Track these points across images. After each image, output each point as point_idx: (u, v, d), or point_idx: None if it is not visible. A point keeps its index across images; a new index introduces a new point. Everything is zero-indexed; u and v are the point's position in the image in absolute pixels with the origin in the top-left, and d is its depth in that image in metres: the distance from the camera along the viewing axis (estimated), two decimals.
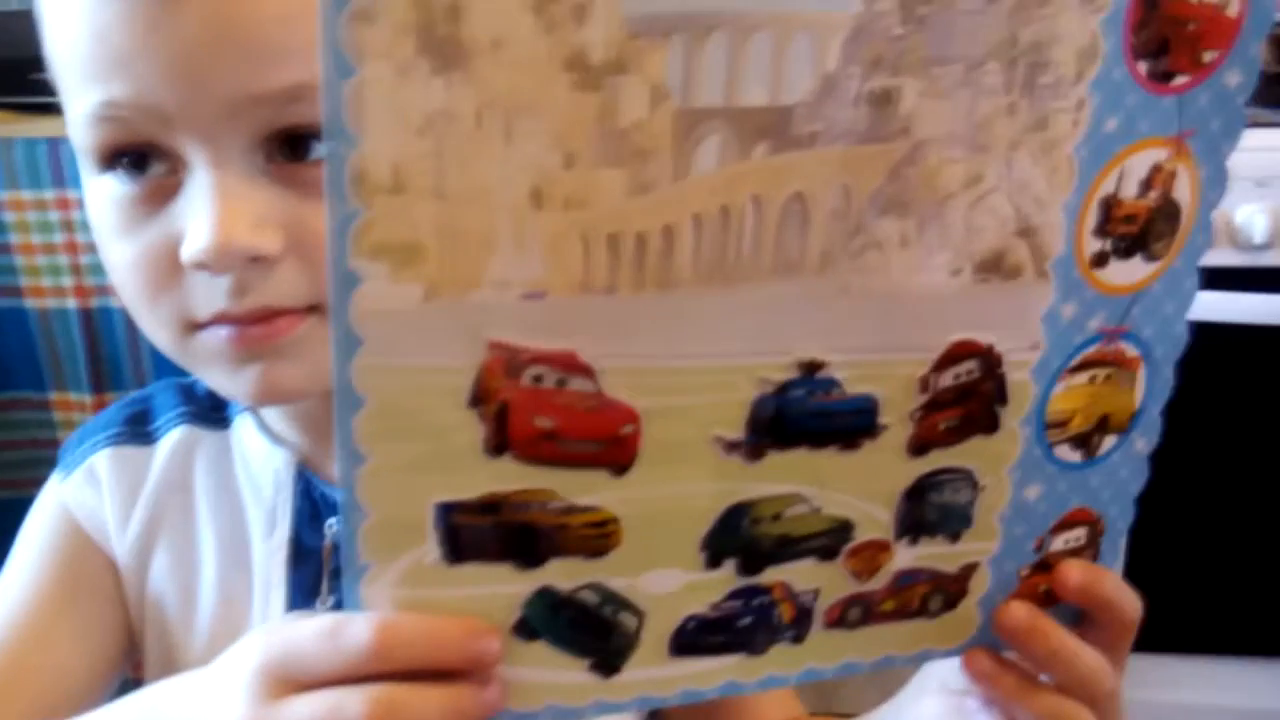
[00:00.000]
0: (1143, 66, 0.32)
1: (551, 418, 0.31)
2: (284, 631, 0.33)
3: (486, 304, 0.29)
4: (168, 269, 0.42)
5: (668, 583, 0.34)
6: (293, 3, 0.39)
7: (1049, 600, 0.39)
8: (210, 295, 0.42)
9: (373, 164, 0.27)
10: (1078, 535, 0.39)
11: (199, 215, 0.41)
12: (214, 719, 0.33)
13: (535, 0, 0.27)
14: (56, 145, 1.16)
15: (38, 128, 1.17)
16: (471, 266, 0.29)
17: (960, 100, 0.31)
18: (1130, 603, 0.39)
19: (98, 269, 1.16)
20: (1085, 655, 0.38)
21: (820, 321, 0.32)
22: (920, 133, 0.31)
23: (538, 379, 0.30)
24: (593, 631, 0.34)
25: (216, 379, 0.46)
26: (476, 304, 0.29)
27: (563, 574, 0.33)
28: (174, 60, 0.39)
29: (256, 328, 0.43)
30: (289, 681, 0.32)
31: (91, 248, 1.15)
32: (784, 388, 0.33)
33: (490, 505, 0.32)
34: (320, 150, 0.41)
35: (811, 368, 0.33)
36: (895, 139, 0.31)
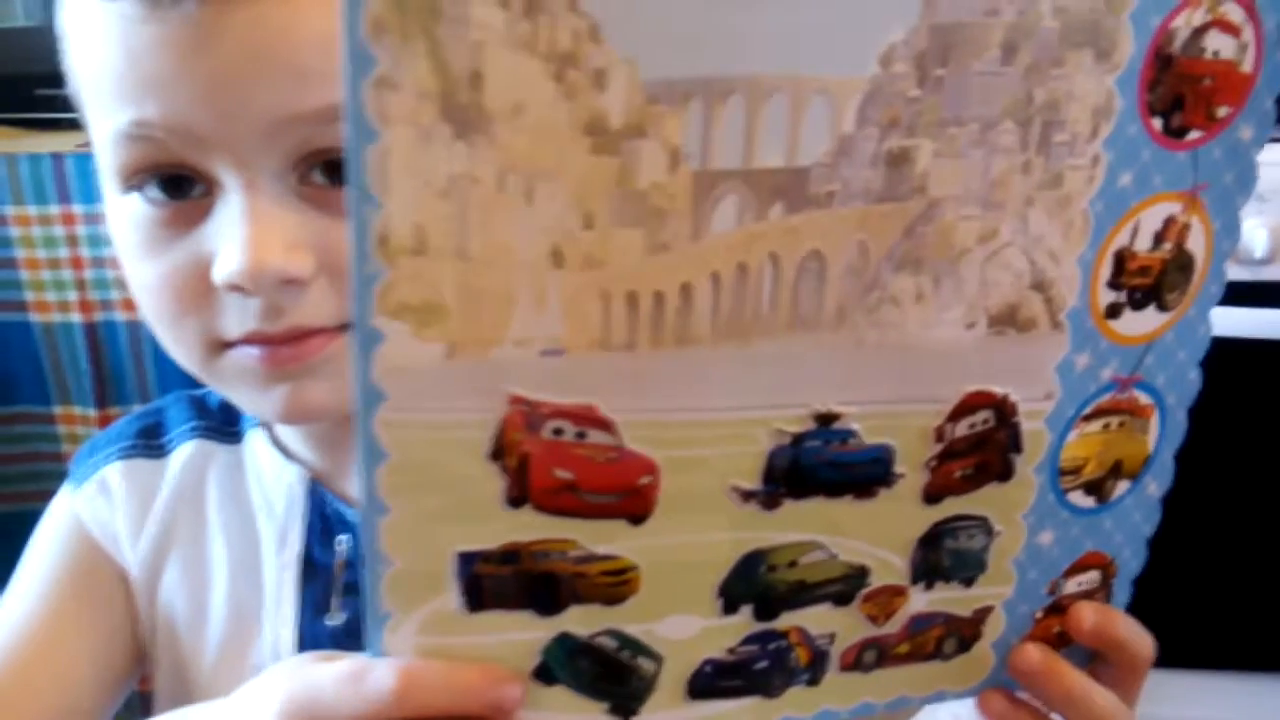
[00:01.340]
0: (1157, 123, 0.33)
1: (571, 470, 0.31)
2: (306, 672, 0.33)
3: (507, 361, 0.29)
4: (196, 289, 0.42)
5: (685, 628, 0.35)
6: (328, 24, 0.38)
7: (1062, 642, 0.40)
8: (242, 316, 0.42)
9: (396, 226, 0.27)
10: (1090, 578, 0.40)
11: (231, 238, 0.40)
12: None
13: (555, 67, 0.27)
14: (62, 161, 1.16)
15: (43, 143, 1.17)
16: (493, 325, 0.29)
17: (975, 159, 0.31)
18: (1142, 643, 0.39)
19: (102, 284, 1.17)
20: (1098, 696, 0.38)
21: (836, 374, 0.32)
22: (936, 191, 0.31)
23: (558, 432, 0.31)
24: (611, 676, 0.35)
25: (244, 397, 0.46)
26: (497, 361, 0.29)
27: (582, 621, 0.33)
28: (210, 84, 0.39)
29: (287, 348, 0.42)
30: None
31: (96, 262, 1.16)
32: (800, 439, 0.33)
33: (510, 555, 0.32)
34: None
35: (827, 419, 0.33)
36: (911, 197, 0.31)
